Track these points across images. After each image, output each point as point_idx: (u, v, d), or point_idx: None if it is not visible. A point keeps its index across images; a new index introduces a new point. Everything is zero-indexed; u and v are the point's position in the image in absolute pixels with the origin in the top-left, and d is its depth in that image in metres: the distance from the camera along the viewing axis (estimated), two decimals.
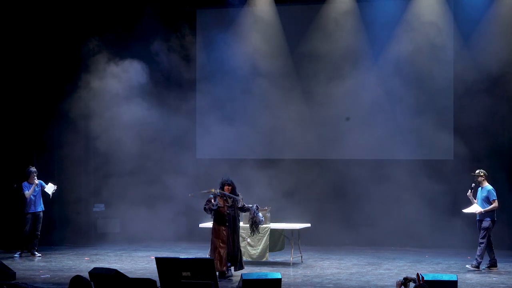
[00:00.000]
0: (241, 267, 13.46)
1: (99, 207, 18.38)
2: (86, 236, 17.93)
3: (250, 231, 13.87)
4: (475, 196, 14.25)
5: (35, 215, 15.91)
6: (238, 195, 13.42)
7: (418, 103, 17.16)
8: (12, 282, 12.38)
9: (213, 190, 13.28)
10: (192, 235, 17.54)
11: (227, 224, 13.26)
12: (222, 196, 13.30)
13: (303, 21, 17.86)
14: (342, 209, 17.58)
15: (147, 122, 17.87)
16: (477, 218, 14.15)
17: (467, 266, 14.01)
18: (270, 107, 17.93)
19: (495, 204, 13.98)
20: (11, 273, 13.01)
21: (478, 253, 13.99)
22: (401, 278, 8.85)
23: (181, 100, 18.06)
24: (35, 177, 15.88)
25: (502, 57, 16.53)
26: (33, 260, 15.36)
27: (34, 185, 15.81)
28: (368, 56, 17.50)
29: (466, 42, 16.96)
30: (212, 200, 13.23)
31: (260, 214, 13.68)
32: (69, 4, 17.55)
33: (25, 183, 15.89)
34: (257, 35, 17.88)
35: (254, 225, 13.72)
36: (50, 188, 15.98)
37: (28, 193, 15.80)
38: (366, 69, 17.46)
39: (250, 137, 17.84)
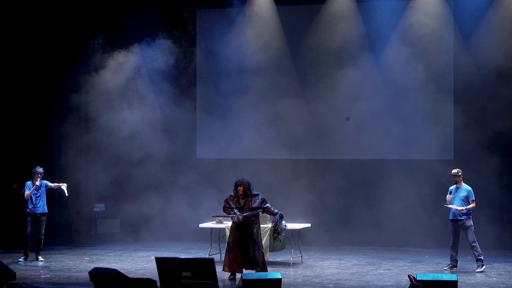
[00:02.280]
0: (259, 269, 12.95)
1: (99, 207, 18.38)
2: (86, 236, 17.92)
3: (272, 237, 13.68)
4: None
5: (34, 216, 15.44)
6: (258, 195, 13.13)
7: (418, 103, 17.15)
8: (12, 282, 12.37)
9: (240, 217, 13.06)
10: (192, 235, 17.54)
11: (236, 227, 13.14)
12: (246, 217, 13.05)
13: (303, 21, 17.87)
14: (342, 209, 17.59)
15: (147, 122, 17.88)
16: (455, 217, 13.90)
17: (476, 271, 13.79)
18: (271, 107, 17.91)
19: (474, 204, 13.85)
20: (11, 273, 13.00)
21: (477, 252, 13.87)
22: None
23: (181, 100, 18.07)
24: (38, 178, 15.38)
25: (503, 54, 16.53)
26: (33, 261, 15.32)
27: (34, 186, 15.36)
28: (368, 56, 17.49)
29: (466, 40, 16.97)
30: (235, 218, 13.00)
31: (283, 222, 13.20)
32: (70, 2, 17.54)
33: (28, 183, 15.48)
34: (257, 35, 17.88)
35: (276, 233, 13.42)
36: (64, 189, 15.71)
37: (27, 193, 15.38)
38: (367, 68, 17.46)
39: (250, 137, 17.83)
